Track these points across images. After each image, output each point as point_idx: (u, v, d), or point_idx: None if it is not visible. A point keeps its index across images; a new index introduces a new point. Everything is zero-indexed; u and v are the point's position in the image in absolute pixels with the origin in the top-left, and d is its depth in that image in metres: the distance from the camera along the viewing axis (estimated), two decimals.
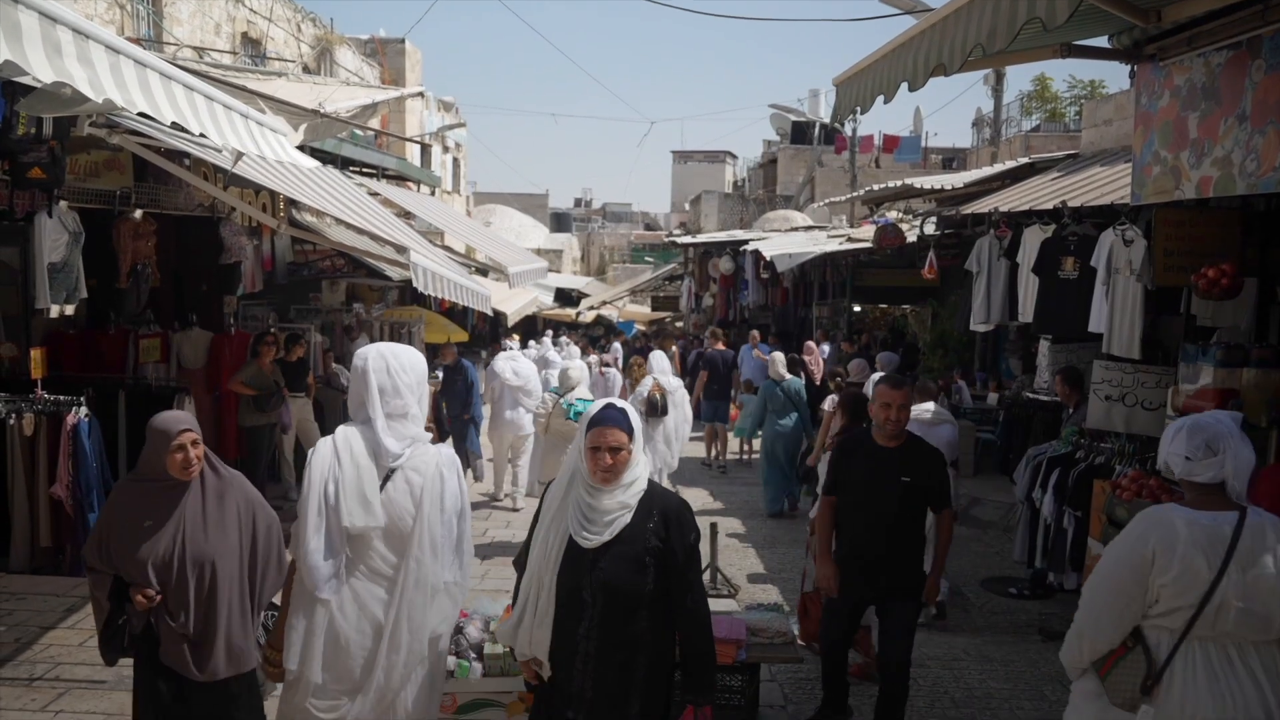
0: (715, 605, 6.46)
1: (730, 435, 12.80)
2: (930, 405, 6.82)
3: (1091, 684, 2.92)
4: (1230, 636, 2.70)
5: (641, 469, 2.94)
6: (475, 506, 9.85)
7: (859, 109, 4.98)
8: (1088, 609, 2.91)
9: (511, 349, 11.26)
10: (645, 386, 9.81)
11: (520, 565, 3.14)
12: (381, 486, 3.03)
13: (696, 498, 10.63)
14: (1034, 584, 7.06)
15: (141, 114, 3.58)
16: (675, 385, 9.85)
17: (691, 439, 14.00)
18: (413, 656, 3.08)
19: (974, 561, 7.94)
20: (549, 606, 2.90)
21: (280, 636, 3.16)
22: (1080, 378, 6.99)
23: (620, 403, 2.97)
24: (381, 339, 13.11)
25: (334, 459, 3.01)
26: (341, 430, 3.08)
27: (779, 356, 10.36)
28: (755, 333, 14.86)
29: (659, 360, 9.97)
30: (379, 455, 3.02)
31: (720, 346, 13.23)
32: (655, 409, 9.29)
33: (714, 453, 12.62)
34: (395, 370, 3.06)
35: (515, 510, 9.80)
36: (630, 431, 2.88)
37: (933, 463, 4.58)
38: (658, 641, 2.94)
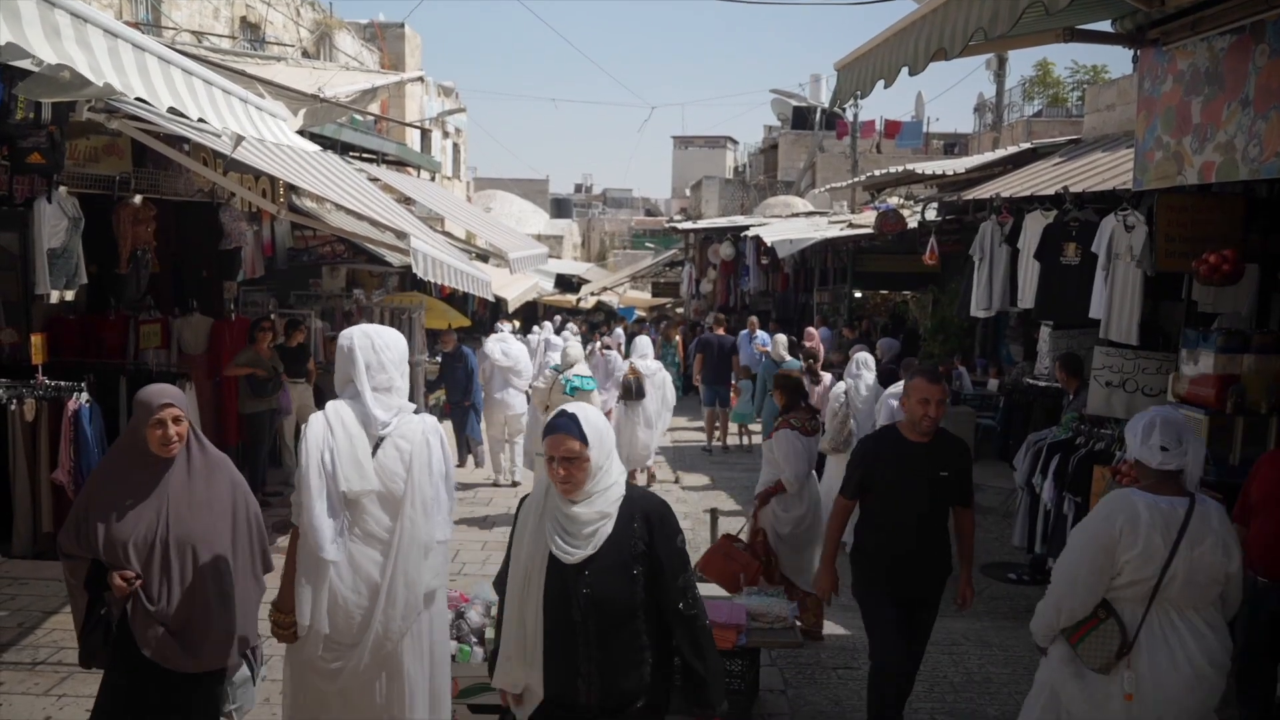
0: (715, 590, 6.48)
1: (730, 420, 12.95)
2: None
3: (1063, 650, 3.29)
4: (1172, 603, 3.14)
5: (615, 475, 2.79)
6: (467, 486, 9.88)
7: (859, 93, 4.96)
8: (1063, 581, 3.27)
9: (503, 331, 11.31)
10: (622, 370, 10.03)
11: (501, 586, 3.03)
12: (373, 454, 3.22)
13: (696, 482, 10.66)
14: (1033, 569, 7.08)
15: (139, 99, 3.56)
16: (654, 369, 9.99)
17: (691, 425, 14.12)
18: (410, 609, 3.28)
19: (974, 547, 7.96)
20: (539, 634, 2.74)
21: (287, 599, 3.28)
22: (1080, 364, 6.99)
23: (576, 408, 2.78)
24: (383, 324, 13.10)
25: (327, 430, 3.18)
26: (331, 405, 3.24)
27: (781, 338, 10.56)
28: (754, 319, 14.84)
29: (640, 345, 10.24)
30: (369, 425, 3.21)
31: (721, 332, 13.35)
32: (630, 392, 9.53)
33: (714, 437, 12.75)
34: (380, 347, 3.24)
35: (514, 485, 10.06)
36: (584, 439, 2.69)
37: (962, 455, 4.41)
38: (659, 643, 2.83)
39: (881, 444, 4.47)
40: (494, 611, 4.32)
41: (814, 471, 6.10)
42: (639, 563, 2.74)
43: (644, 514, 2.79)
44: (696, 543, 8.04)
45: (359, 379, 3.20)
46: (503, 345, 10.12)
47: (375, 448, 3.22)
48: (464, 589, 4.78)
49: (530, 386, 9.63)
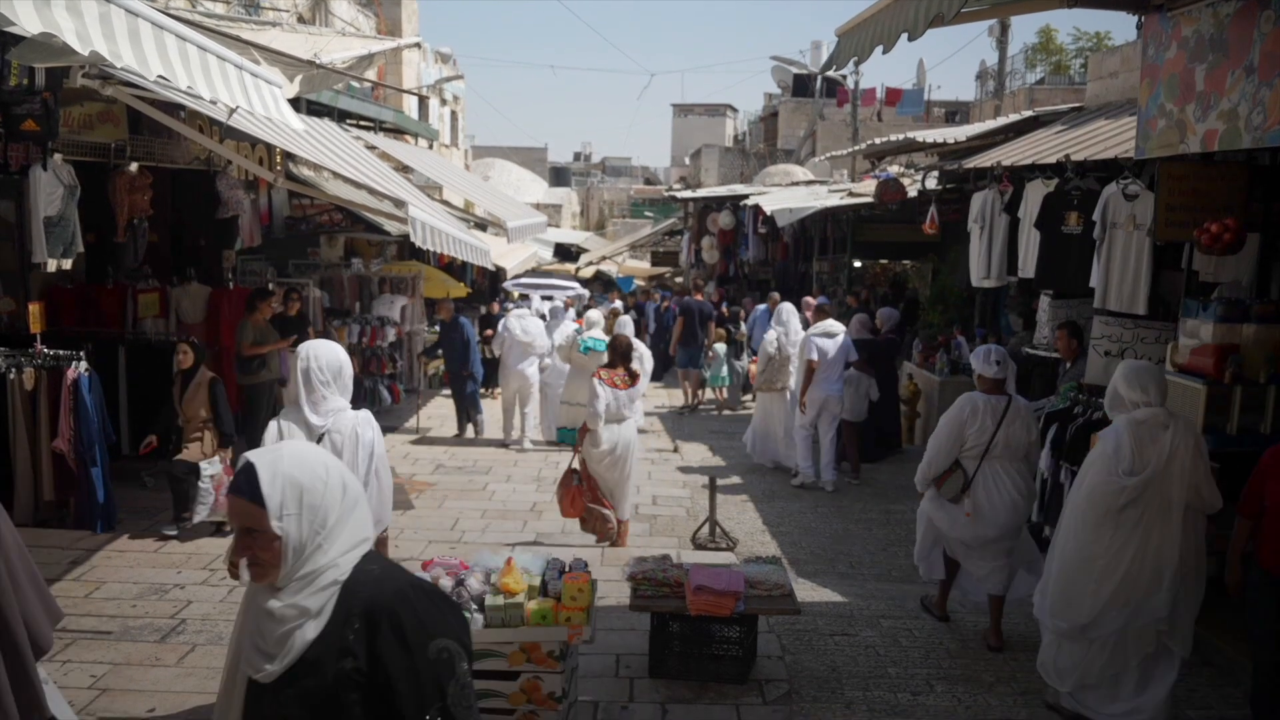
0: (715, 558, 6.54)
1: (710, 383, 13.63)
2: (832, 321, 9.05)
3: (932, 490, 5.38)
4: (999, 461, 5.24)
5: (335, 553, 1.89)
6: (469, 443, 9.92)
7: (856, 59, 4.92)
8: (933, 449, 5.33)
9: (522, 309, 11.58)
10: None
11: None
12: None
13: (695, 451, 10.68)
14: (1031, 536, 7.10)
15: (126, 68, 3.52)
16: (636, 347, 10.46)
17: (669, 386, 14.43)
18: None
19: None
20: None
21: None
22: (1082, 332, 6.99)
23: (267, 455, 1.91)
24: (381, 294, 13.09)
25: (280, 435, 3.96)
26: (282, 415, 4.06)
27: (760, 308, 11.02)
28: (775, 295, 14.75)
29: (591, 315, 10.92)
30: (310, 428, 4.00)
31: (699, 297, 13.60)
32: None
33: (691, 398, 13.52)
34: (314, 370, 3.93)
35: (522, 451, 10.32)
36: (261, 502, 1.84)
37: None
38: None
39: None
40: (493, 579, 4.35)
41: (634, 422, 7.18)
42: (351, 688, 1.85)
43: (365, 612, 1.87)
44: (696, 511, 8.08)
45: (300, 397, 3.98)
46: (522, 323, 10.51)
47: (318, 442, 3.96)
48: (463, 556, 4.81)
49: (555, 346, 10.52)
